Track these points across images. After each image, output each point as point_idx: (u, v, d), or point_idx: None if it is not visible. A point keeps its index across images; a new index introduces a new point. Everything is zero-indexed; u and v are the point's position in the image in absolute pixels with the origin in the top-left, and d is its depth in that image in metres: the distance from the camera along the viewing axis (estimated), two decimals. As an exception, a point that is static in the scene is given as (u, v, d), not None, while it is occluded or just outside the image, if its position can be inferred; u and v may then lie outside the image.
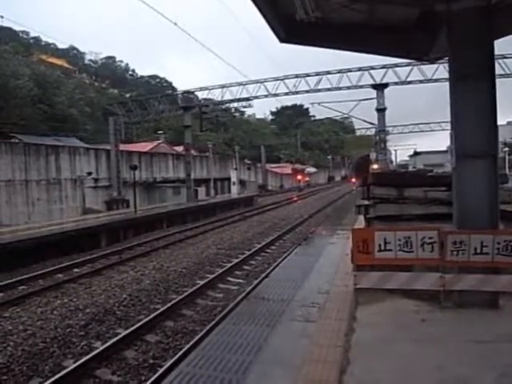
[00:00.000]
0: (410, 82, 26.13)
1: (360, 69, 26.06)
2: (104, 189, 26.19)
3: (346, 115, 40.27)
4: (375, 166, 36.45)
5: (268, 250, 14.39)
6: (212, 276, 10.63)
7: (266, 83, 27.47)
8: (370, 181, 7.24)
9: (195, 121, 35.03)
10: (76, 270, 12.31)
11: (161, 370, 5.57)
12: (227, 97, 28.79)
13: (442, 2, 5.35)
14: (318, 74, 26.64)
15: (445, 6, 5.35)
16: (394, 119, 52.23)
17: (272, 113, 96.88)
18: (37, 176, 21.25)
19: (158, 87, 74.37)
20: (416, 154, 64.21)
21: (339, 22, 6.88)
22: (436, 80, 25.10)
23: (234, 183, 37.51)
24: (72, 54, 76.31)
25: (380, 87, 26.61)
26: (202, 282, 10.07)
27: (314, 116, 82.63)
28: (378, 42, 7.32)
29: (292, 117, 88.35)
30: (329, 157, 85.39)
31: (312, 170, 77.58)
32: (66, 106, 40.75)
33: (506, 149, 39.79)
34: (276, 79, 27.36)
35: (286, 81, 27.20)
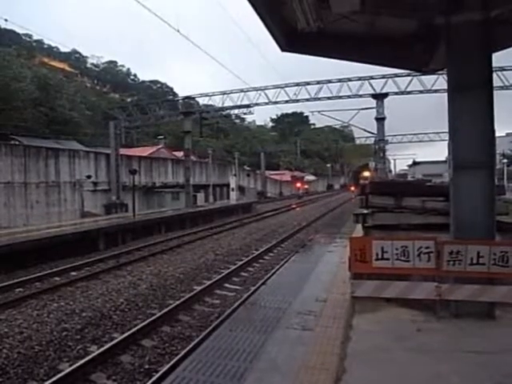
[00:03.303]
0: (409, 92, 26.33)
1: (360, 78, 26.23)
2: (103, 192, 26.17)
3: (345, 124, 40.49)
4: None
5: (266, 257, 14.39)
6: (209, 282, 10.62)
7: (266, 91, 27.63)
8: (369, 190, 7.29)
9: (195, 126, 35.13)
10: (73, 273, 12.29)
11: (156, 375, 5.56)
12: (228, 103, 28.92)
13: (442, 14, 5.43)
14: (318, 82, 26.79)
15: (444, 18, 5.43)
16: (393, 129, 52.53)
17: (272, 120, 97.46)
18: (36, 178, 21.25)
19: (159, 92, 74.84)
20: (415, 163, 64.48)
21: (340, 33, 6.96)
22: (435, 90, 25.24)
23: (233, 189, 37.54)
24: (74, 58, 76.75)
25: (380, 97, 26.77)
26: (199, 288, 10.05)
27: (313, 124, 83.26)
28: (377, 52, 7.40)
29: (292, 124, 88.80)
30: (328, 165, 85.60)
31: (311, 177, 77.70)
32: (67, 109, 40.92)
33: (505, 160, 39.96)
34: (277, 87, 27.52)
35: (287, 89, 27.38)
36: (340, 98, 27.00)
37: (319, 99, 27.33)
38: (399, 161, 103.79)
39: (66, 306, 8.97)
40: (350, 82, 26.44)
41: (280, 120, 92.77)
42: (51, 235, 15.02)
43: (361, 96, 27.11)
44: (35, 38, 67.08)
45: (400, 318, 5.38)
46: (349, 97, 26.97)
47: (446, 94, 5.78)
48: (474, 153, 5.32)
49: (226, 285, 10.73)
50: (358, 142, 64.95)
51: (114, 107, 35.49)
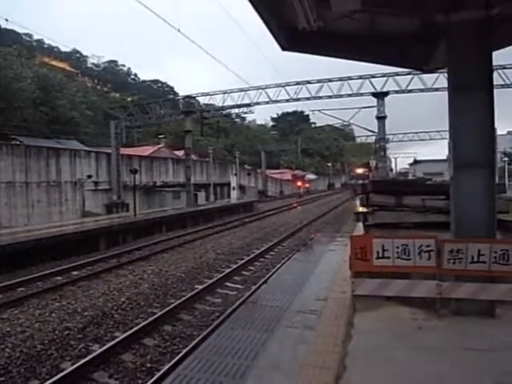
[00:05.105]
0: (410, 91, 26.27)
1: (361, 77, 26.18)
2: (104, 192, 26.21)
3: (346, 122, 40.45)
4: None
5: (267, 256, 14.40)
6: (210, 281, 10.64)
7: (267, 90, 27.59)
8: (369, 188, 7.30)
9: (196, 126, 35.15)
10: (75, 272, 12.31)
11: (158, 374, 5.58)
12: (228, 102, 28.90)
13: (442, 13, 5.44)
14: (319, 81, 26.78)
15: (444, 17, 5.43)
16: (394, 127, 52.60)
17: (273, 119, 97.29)
18: (37, 178, 21.29)
19: (160, 92, 74.87)
20: (416, 162, 64.51)
21: (340, 32, 6.96)
22: (436, 89, 25.19)
23: (233, 188, 37.55)
24: (75, 58, 76.70)
25: (380, 95, 26.77)
26: (200, 287, 10.07)
27: (314, 123, 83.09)
28: (378, 51, 7.40)
29: (292, 123, 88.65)
30: (329, 164, 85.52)
31: (312, 176, 77.67)
32: (68, 108, 40.87)
33: (506, 158, 39.85)
34: (277, 86, 27.49)
35: (287, 88, 27.35)
36: (341, 96, 26.97)
37: (320, 98, 27.29)
38: (400, 159, 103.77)
39: (68, 305, 9.00)
40: (350, 81, 26.41)
41: (280, 119, 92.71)
42: (52, 235, 15.05)
43: (361, 95, 27.10)
44: (35, 37, 67.10)
45: (401, 316, 5.39)
46: (349, 95, 26.96)
47: (446, 93, 5.78)
48: (474, 151, 5.33)
49: (228, 284, 10.75)
50: (358, 140, 65.00)
51: (114, 107, 35.51)
